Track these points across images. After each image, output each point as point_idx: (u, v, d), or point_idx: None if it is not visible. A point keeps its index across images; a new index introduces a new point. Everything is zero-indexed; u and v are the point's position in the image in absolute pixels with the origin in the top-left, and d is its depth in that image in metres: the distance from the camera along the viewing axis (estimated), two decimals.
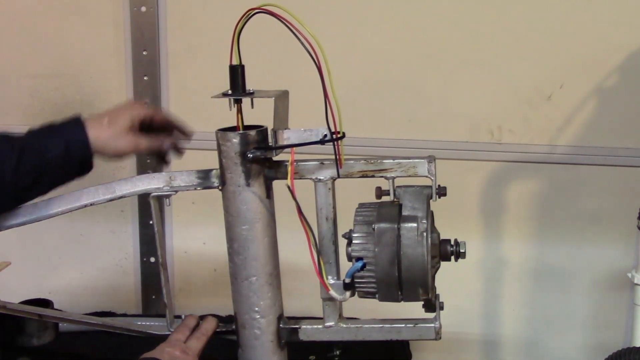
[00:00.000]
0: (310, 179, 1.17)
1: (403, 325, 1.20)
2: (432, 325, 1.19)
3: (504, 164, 1.85)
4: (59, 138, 1.17)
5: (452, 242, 1.17)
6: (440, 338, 1.20)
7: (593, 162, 1.80)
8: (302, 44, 1.04)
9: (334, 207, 1.18)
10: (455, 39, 1.79)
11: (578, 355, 1.92)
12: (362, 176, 1.17)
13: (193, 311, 1.35)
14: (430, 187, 1.15)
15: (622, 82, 1.74)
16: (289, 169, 1.13)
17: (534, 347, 1.94)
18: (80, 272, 2.06)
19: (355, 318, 1.25)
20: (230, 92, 1.14)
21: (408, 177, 1.16)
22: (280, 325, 1.22)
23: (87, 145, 1.18)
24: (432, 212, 1.17)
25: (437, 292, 1.21)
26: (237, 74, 1.13)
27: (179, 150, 1.30)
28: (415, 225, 1.11)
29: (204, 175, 1.21)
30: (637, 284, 1.62)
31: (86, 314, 1.54)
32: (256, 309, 1.20)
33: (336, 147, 1.12)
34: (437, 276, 1.19)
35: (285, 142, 1.15)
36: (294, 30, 1.04)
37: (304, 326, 1.22)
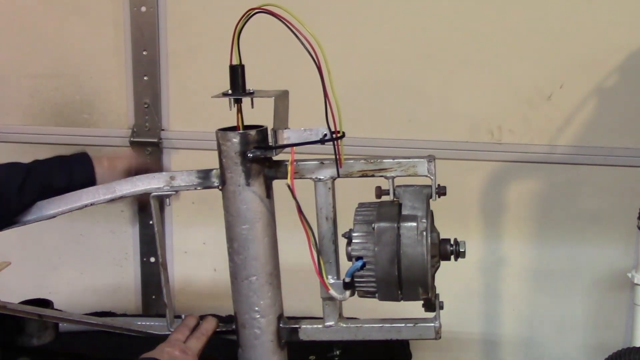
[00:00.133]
0: (310, 178, 1.17)
1: (403, 324, 1.20)
2: (432, 324, 1.19)
3: (504, 164, 1.85)
4: (66, 166, 1.26)
5: (452, 242, 1.18)
6: (440, 337, 1.20)
7: (593, 162, 1.80)
8: (302, 44, 1.04)
9: (334, 207, 1.18)
10: (455, 39, 1.79)
11: (578, 355, 1.92)
12: (362, 176, 1.17)
13: (193, 311, 1.35)
14: (430, 186, 1.15)
15: (622, 82, 1.74)
16: (289, 168, 1.13)
17: (534, 347, 1.94)
18: (80, 272, 2.06)
19: (355, 318, 1.25)
20: (230, 92, 1.14)
21: (408, 177, 1.16)
22: (280, 325, 1.22)
23: (91, 177, 1.26)
24: (432, 212, 1.17)
25: (437, 292, 1.21)
26: (237, 73, 1.14)
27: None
28: (415, 224, 1.11)
29: (204, 175, 1.21)
30: (637, 284, 1.63)
31: (86, 314, 1.54)
32: (256, 308, 1.20)
33: (336, 146, 1.12)
34: (437, 276, 1.19)
35: (285, 142, 1.15)
36: (294, 30, 1.04)
37: (304, 326, 1.22)
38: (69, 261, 2.06)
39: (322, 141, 1.12)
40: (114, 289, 2.06)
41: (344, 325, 1.22)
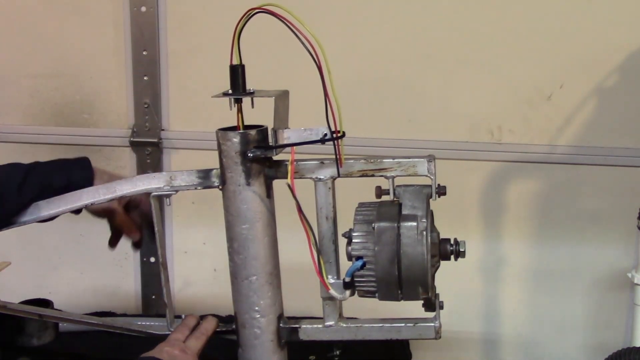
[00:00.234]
0: (311, 178, 1.17)
1: (403, 324, 1.20)
2: (432, 324, 1.19)
3: (504, 164, 1.85)
4: (67, 168, 1.27)
5: (452, 242, 1.18)
6: (440, 337, 1.19)
7: (593, 162, 1.80)
8: (302, 43, 1.04)
9: (334, 207, 1.18)
10: (455, 39, 1.79)
11: (578, 355, 1.92)
12: (362, 175, 1.17)
13: (193, 311, 1.35)
14: (430, 186, 1.15)
15: (622, 82, 1.74)
16: (289, 168, 1.13)
17: (534, 347, 1.94)
18: (80, 272, 2.06)
19: (355, 318, 1.25)
20: (230, 91, 1.14)
21: (408, 177, 1.16)
22: (280, 325, 1.22)
23: (90, 181, 1.26)
24: (431, 212, 1.17)
25: (436, 292, 1.21)
26: (237, 73, 1.13)
27: (136, 245, 1.38)
28: (415, 224, 1.11)
29: (204, 174, 1.21)
30: (637, 284, 1.62)
31: (86, 314, 1.54)
32: (256, 308, 1.20)
33: (336, 146, 1.12)
34: (437, 275, 1.19)
35: (286, 142, 1.15)
36: (295, 30, 1.04)
37: (304, 326, 1.22)
38: (69, 261, 2.06)
39: (322, 141, 1.12)
40: (114, 289, 2.06)
41: (344, 325, 1.22)
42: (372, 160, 1.17)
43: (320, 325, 1.22)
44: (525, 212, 1.87)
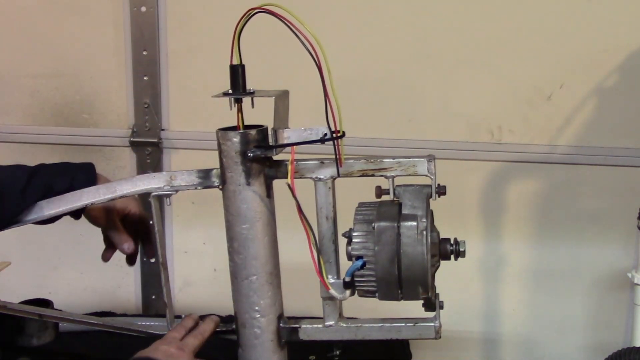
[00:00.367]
0: (311, 178, 1.17)
1: (403, 324, 1.20)
2: (432, 324, 1.19)
3: (504, 164, 1.85)
4: (70, 172, 1.27)
5: (452, 241, 1.17)
6: (440, 337, 1.19)
7: (593, 162, 1.80)
8: (302, 43, 1.04)
9: (334, 206, 1.18)
10: (455, 39, 1.79)
11: (578, 355, 1.92)
12: (362, 175, 1.17)
13: (193, 311, 1.35)
14: (430, 186, 1.15)
15: (622, 82, 1.74)
16: (289, 168, 1.13)
17: (534, 347, 1.94)
18: (80, 272, 2.06)
19: (355, 318, 1.25)
20: (230, 91, 1.14)
21: (408, 176, 1.16)
22: (280, 325, 1.22)
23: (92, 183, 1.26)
24: (431, 211, 1.17)
25: (436, 291, 1.21)
26: (237, 73, 1.13)
27: (130, 260, 1.36)
28: (415, 223, 1.11)
29: (205, 174, 1.21)
30: (637, 284, 1.62)
31: (86, 314, 1.54)
32: (256, 308, 1.20)
33: (336, 146, 1.12)
34: (437, 275, 1.19)
35: (286, 141, 1.15)
36: (295, 30, 1.04)
37: (304, 325, 1.22)
38: (69, 261, 2.06)
39: (322, 140, 1.12)
40: (114, 289, 2.06)
41: (344, 325, 1.22)
42: (372, 160, 1.17)
43: (320, 325, 1.22)
44: (525, 212, 1.87)
